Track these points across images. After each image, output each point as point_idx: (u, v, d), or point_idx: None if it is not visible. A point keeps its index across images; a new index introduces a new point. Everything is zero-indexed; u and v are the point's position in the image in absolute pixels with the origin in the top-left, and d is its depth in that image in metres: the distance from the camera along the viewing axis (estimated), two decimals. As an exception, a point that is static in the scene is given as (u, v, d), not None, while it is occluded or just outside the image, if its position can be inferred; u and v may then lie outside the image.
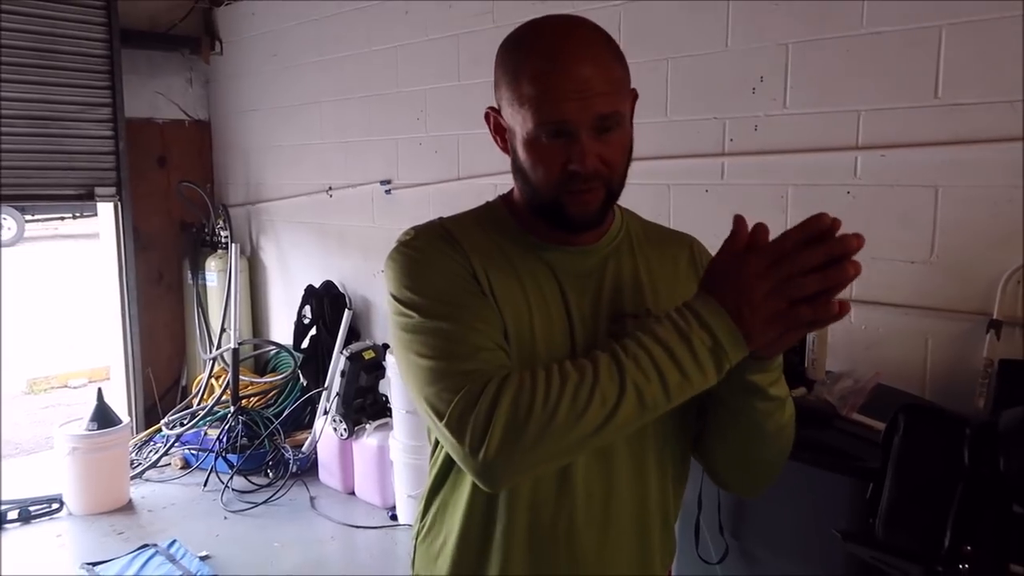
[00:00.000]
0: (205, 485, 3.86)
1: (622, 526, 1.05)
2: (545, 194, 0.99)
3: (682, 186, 2.71)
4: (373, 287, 4.00)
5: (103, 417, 3.65)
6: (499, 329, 0.97)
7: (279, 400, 4.32)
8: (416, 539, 1.17)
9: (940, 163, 2.17)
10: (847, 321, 2.37)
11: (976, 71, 2.09)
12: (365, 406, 3.68)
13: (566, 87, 0.92)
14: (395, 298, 0.99)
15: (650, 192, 2.73)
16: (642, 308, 1.05)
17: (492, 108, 1.04)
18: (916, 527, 1.43)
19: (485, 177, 3.30)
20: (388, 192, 3.84)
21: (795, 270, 0.84)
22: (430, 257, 1.00)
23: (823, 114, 2.38)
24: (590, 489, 1.02)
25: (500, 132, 1.04)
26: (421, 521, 1.16)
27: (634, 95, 1.03)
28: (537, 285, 1.03)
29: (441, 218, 1.08)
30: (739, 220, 0.91)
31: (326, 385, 3.98)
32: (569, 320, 1.02)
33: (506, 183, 1.11)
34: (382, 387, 3.72)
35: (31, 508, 3.58)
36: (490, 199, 1.14)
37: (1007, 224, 2.07)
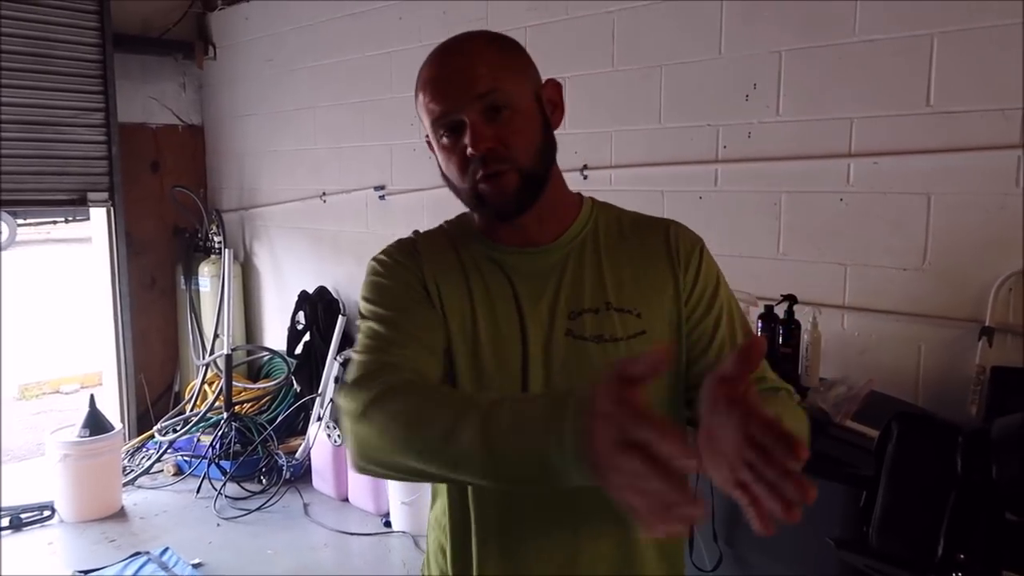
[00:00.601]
0: (198, 492, 3.84)
1: (597, 526, 1.04)
2: (463, 190, 1.02)
3: (676, 192, 2.71)
4: (367, 293, 3.97)
5: (95, 423, 3.64)
6: (435, 333, 1.02)
7: (272, 406, 4.30)
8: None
9: (932, 170, 2.18)
10: (840, 328, 2.38)
11: (967, 79, 2.10)
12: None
13: (444, 81, 0.99)
14: (360, 304, 1.08)
15: (644, 198, 2.73)
16: (602, 303, 1.05)
17: (426, 135, 1.07)
18: (909, 535, 1.43)
19: (479, 183, 3.30)
20: (382, 198, 3.83)
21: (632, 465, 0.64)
22: (390, 270, 1.07)
23: (816, 121, 2.39)
24: (557, 500, 1.02)
25: (433, 150, 1.07)
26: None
27: (553, 83, 1.07)
28: (487, 288, 1.06)
29: (416, 232, 1.15)
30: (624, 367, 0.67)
31: (320, 391, 3.97)
32: (520, 321, 1.04)
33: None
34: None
35: (22, 515, 3.56)
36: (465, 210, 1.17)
37: (999, 231, 2.08)
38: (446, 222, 1.16)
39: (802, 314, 2.25)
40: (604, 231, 1.11)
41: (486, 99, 0.97)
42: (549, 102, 1.06)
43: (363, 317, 1.05)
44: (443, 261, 1.08)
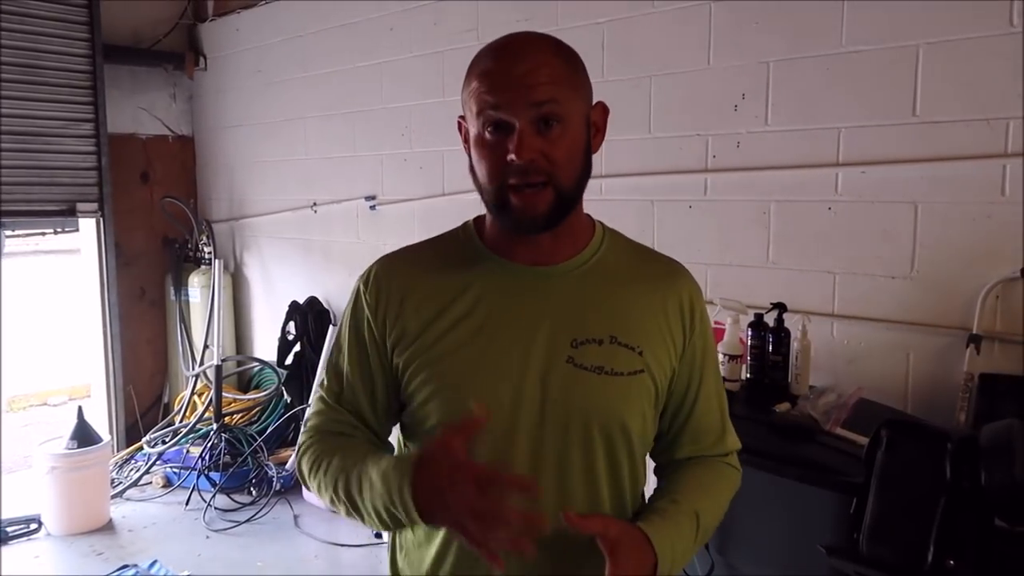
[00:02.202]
0: (187, 504, 3.81)
1: (547, 544, 1.02)
2: (491, 190, 1.01)
3: (666, 202, 2.72)
4: (358, 303, 3.96)
5: (83, 435, 3.61)
6: (365, 397, 1.11)
7: (263, 417, 4.27)
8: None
9: (919, 179, 2.20)
10: (829, 336, 2.39)
11: (953, 89, 2.12)
12: (349, 423, 3.64)
13: (505, 77, 0.97)
14: (341, 321, 1.17)
15: (634, 208, 2.74)
16: (606, 335, 1.04)
17: (461, 116, 1.07)
18: (899, 542, 1.43)
19: (470, 193, 3.27)
20: (373, 208, 3.83)
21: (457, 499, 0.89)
22: (359, 316, 1.10)
23: (804, 131, 2.41)
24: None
25: (467, 139, 1.06)
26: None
27: (602, 107, 1.06)
28: (493, 310, 1.04)
29: (405, 251, 1.15)
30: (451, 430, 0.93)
31: (310, 402, 3.94)
32: (525, 344, 1.02)
33: (491, 200, 1.11)
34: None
35: (9, 528, 3.52)
36: (473, 214, 1.17)
37: (986, 239, 2.10)
38: (441, 236, 1.14)
39: (791, 322, 2.26)
40: (614, 261, 1.10)
41: (542, 108, 0.96)
42: (594, 125, 1.05)
43: (334, 346, 1.16)
44: (431, 286, 1.06)
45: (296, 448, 1.16)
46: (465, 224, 1.15)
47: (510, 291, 1.05)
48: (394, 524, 0.98)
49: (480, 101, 0.97)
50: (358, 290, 1.11)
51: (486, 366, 1.02)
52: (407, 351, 1.05)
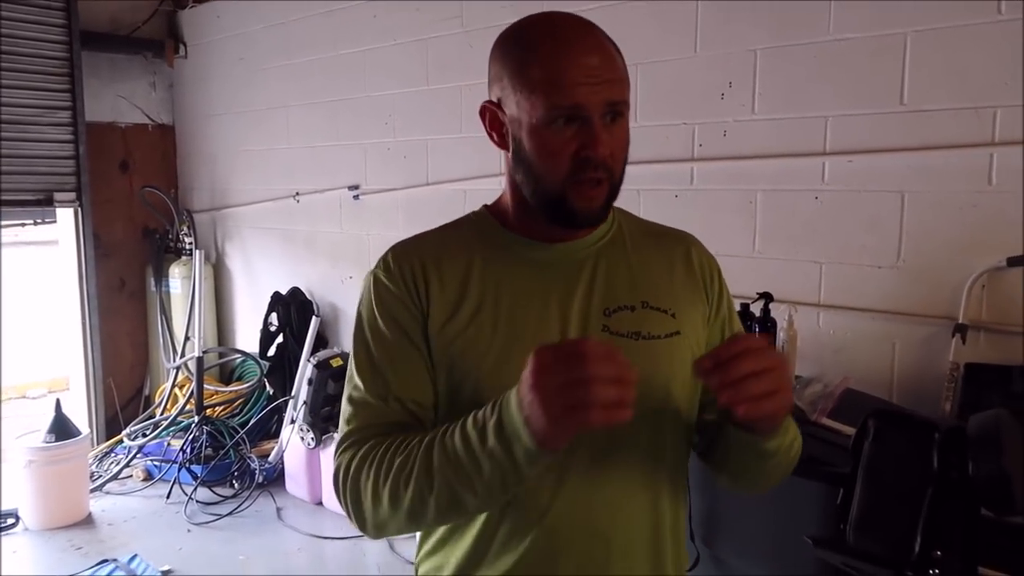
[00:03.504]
0: (168, 497, 3.77)
1: (632, 534, 1.03)
2: (551, 185, 0.97)
3: (652, 191, 2.70)
4: (341, 294, 3.94)
5: (61, 428, 3.55)
6: (418, 385, 1.01)
7: (245, 409, 4.23)
8: (418, 555, 1.13)
9: (906, 169, 2.19)
10: (815, 326, 2.38)
11: (941, 78, 2.11)
12: (333, 415, 3.62)
13: (578, 72, 0.93)
14: (358, 320, 1.06)
15: (620, 197, 2.70)
16: (638, 301, 1.04)
17: (490, 102, 1.03)
18: (887, 532, 1.42)
19: (454, 183, 3.27)
20: (356, 198, 3.79)
21: (573, 376, 0.80)
22: (383, 299, 1.03)
23: (791, 120, 2.39)
24: (589, 496, 1.00)
25: (496, 127, 1.02)
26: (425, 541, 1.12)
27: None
28: (522, 288, 1.02)
29: (421, 238, 1.09)
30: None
31: (293, 394, 3.91)
32: (559, 316, 1.02)
33: (475, 188, 1.10)
34: (350, 395, 3.67)
35: (-15, 523, 3.47)
36: (457, 205, 1.13)
37: (972, 229, 2.10)
38: (456, 223, 1.11)
39: (778, 312, 2.24)
40: (629, 234, 1.11)
41: (616, 107, 0.95)
42: None
43: (358, 338, 1.04)
44: (457, 270, 1.03)
45: (336, 474, 0.98)
46: (474, 212, 1.12)
47: (538, 268, 1.04)
48: (511, 475, 0.86)
49: (551, 93, 0.93)
50: (377, 279, 1.04)
51: (525, 344, 0.97)
52: (443, 330, 1.01)
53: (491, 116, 1.02)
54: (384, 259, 1.06)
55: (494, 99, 1.02)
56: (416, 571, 1.12)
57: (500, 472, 0.86)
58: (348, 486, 0.96)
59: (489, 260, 1.04)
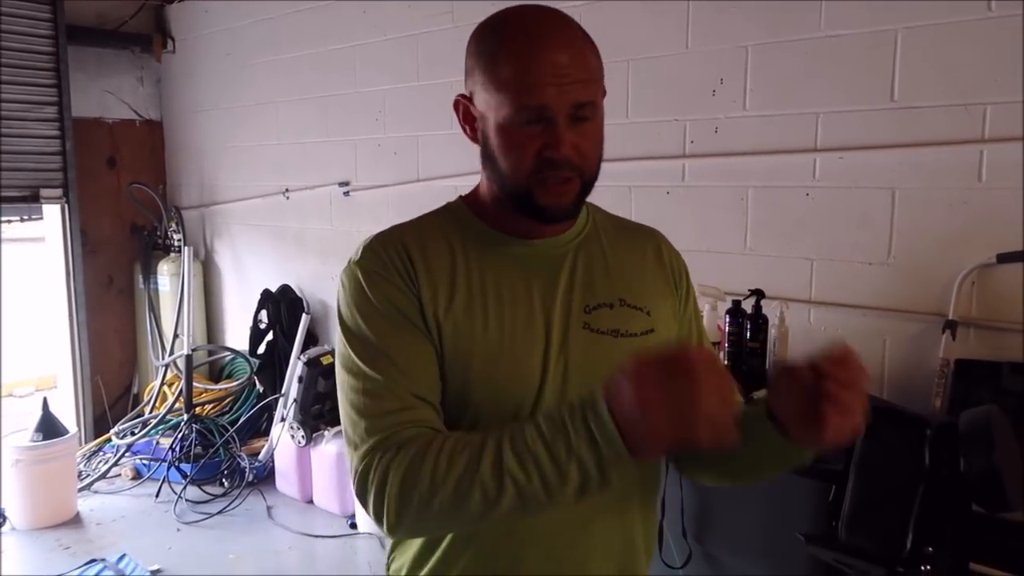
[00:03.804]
0: (157, 496, 3.74)
1: (604, 523, 1.03)
2: (516, 182, 0.97)
3: (643, 188, 2.70)
4: (331, 291, 3.91)
5: (49, 427, 3.52)
6: (429, 372, 0.96)
7: (234, 407, 4.21)
8: (390, 553, 1.12)
9: (897, 165, 2.19)
10: (806, 322, 2.39)
11: (932, 74, 2.11)
12: (323, 412, 3.60)
13: (546, 72, 0.92)
14: (341, 320, 1.00)
15: (611, 194, 2.71)
16: (616, 298, 1.05)
17: (463, 96, 1.02)
18: (878, 529, 1.42)
19: (445, 179, 3.26)
20: (346, 194, 3.77)
21: (684, 394, 0.79)
22: (376, 285, 0.98)
23: (782, 116, 2.39)
24: None
25: (469, 121, 1.02)
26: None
27: (604, 91, 1.02)
28: (505, 282, 1.01)
29: (400, 227, 1.05)
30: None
31: (283, 391, 3.89)
32: (545, 313, 1.01)
33: (466, 184, 1.08)
34: (341, 393, 3.65)
35: (-28, 523, 3.44)
36: (448, 200, 1.12)
37: (962, 225, 2.10)
38: (432, 214, 1.09)
39: (769, 309, 2.24)
40: (603, 230, 1.12)
41: (582, 108, 0.94)
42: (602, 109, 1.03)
43: (346, 338, 0.98)
44: (447, 261, 1.01)
45: (365, 479, 0.90)
46: (450, 203, 1.10)
47: (519, 263, 1.03)
48: (598, 485, 0.84)
49: (518, 93, 0.92)
50: (363, 269, 0.99)
51: (516, 337, 0.99)
52: (436, 318, 0.98)
53: (464, 110, 1.02)
54: (366, 247, 1.02)
55: (467, 93, 1.01)
56: (387, 570, 1.12)
57: (585, 480, 0.84)
58: (392, 492, 0.88)
59: (471, 252, 1.02)
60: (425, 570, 1.04)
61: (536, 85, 0.92)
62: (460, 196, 1.11)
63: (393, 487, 0.88)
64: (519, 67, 0.92)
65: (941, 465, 1.40)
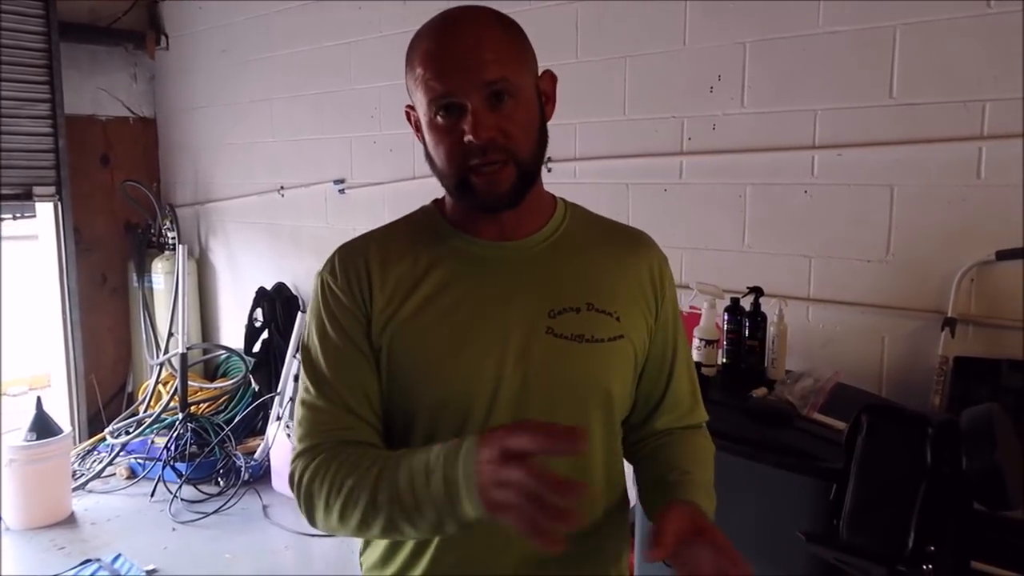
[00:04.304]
0: (152, 495, 3.72)
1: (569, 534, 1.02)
2: (451, 175, 0.97)
3: (640, 185, 2.69)
4: (327, 289, 3.89)
5: (43, 426, 3.50)
6: (365, 390, 1.01)
7: (230, 406, 4.19)
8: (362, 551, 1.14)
9: (895, 162, 2.19)
10: (804, 320, 2.38)
11: (930, 71, 2.11)
12: (319, 411, 3.58)
13: (451, 60, 0.93)
14: (308, 322, 1.06)
15: (608, 191, 2.70)
16: (583, 302, 1.03)
17: (409, 105, 1.03)
18: (880, 528, 1.42)
19: (441, 176, 3.24)
20: (342, 192, 3.75)
21: (512, 482, 0.78)
22: (328, 304, 1.03)
23: (780, 113, 2.39)
24: None
25: (418, 128, 1.02)
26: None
27: (550, 75, 1.03)
28: (464, 287, 1.01)
29: (368, 236, 1.08)
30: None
31: (279, 390, 3.88)
32: (499, 317, 1.00)
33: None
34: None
35: (-35, 524, 3.42)
36: (424, 204, 1.13)
37: (961, 222, 2.10)
38: (406, 218, 1.11)
39: (767, 306, 2.24)
40: (580, 232, 1.10)
41: (493, 86, 0.93)
42: (544, 93, 1.02)
43: (306, 342, 1.04)
44: (402, 265, 1.02)
45: (291, 478, 0.98)
46: (424, 207, 1.11)
47: (481, 266, 1.03)
48: (450, 522, 0.86)
49: (428, 87, 0.94)
50: (323, 282, 1.04)
51: (468, 342, 0.99)
52: (385, 329, 1.00)
53: (414, 119, 1.03)
54: (331, 261, 1.06)
55: (412, 101, 1.02)
56: (361, 568, 1.13)
57: (440, 518, 0.85)
58: (302, 494, 0.97)
59: (435, 258, 1.03)
60: (392, 569, 1.05)
61: (441, 72, 0.93)
62: (434, 200, 1.12)
63: (302, 492, 0.96)
64: (428, 61, 0.94)
65: (942, 463, 1.39)
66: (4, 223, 4.29)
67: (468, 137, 0.92)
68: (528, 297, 1.01)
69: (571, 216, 1.10)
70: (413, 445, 0.96)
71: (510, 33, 0.98)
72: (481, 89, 0.92)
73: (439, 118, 0.95)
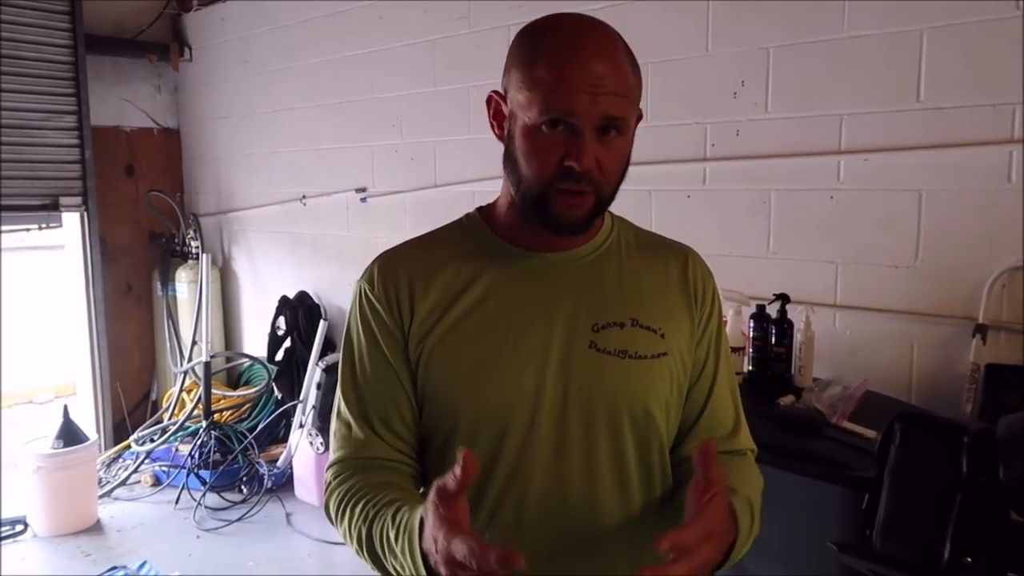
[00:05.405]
0: (177, 503, 3.75)
1: (612, 556, 1.01)
2: (534, 187, 0.96)
3: (664, 192, 2.67)
4: (348, 297, 3.88)
5: (69, 434, 3.54)
6: (398, 406, 1.02)
7: (253, 414, 4.21)
8: None
9: (923, 167, 2.16)
10: (831, 327, 2.35)
11: (957, 74, 2.08)
12: (342, 419, 3.59)
13: (580, 79, 0.91)
14: (347, 331, 1.08)
15: (632, 198, 2.68)
16: (627, 318, 1.02)
17: (496, 92, 1.02)
18: (915, 538, 1.39)
19: (462, 184, 3.25)
20: (363, 200, 3.77)
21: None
22: (366, 315, 1.04)
23: (805, 118, 2.37)
24: (545, 493, 0.99)
25: (499, 118, 1.01)
26: None
27: (640, 114, 1.01)
28: (506, 298, 1.01)
29: (409, 244, 1.09)
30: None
31: (301, 398, 3.89)
32: (546, 329, 0.99)
33: (484, 190, 1.08)
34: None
35: (-6, 530, 3.45)
36: (465, 208, 1.12)
37: (991, 227, 2.07)
38: (448, 227, 1.10)
39: (794, 313, 2.21)
40: (625, 245, 1.09)
41: (612, 121, 0.92)
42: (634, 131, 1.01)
43: (344, 354, 1.07)
44: (444, 275, 1.02)
45: (324, 486, 1.05)
46: (469, 215, 1.10)
47: (526, 277, 1.02)
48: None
49: (548, 95, 0.91)
50: (362, 291, 1.05)
51: (507, 353, 0.98)
52: (423, 342, 1.00)
53: (496, 106, 1.02)
54: (370, 270, 1.06)
55: (501, 90, 1.01)
56: None
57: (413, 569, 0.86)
58: (326, 503, 1.03)
59: (479, 269, 1.02)
60: None
61: (569, 89, 0.91)
62: (478, 208, 1.11)
63: (326, 502, 1.03)
64: (555, 69, 0.91)
65: (978, 473, 1.37)
66: (31, 233, 4.34)
67: (571, 162, 0.91)
68: (573, 310, 1.00)
69: (618, 229, 1.09)
70: (451, 459, 0.96)
71: (634, 66, 0.97)
72: (600, 120, 0.91)
73: (544, 127, 0.93)
